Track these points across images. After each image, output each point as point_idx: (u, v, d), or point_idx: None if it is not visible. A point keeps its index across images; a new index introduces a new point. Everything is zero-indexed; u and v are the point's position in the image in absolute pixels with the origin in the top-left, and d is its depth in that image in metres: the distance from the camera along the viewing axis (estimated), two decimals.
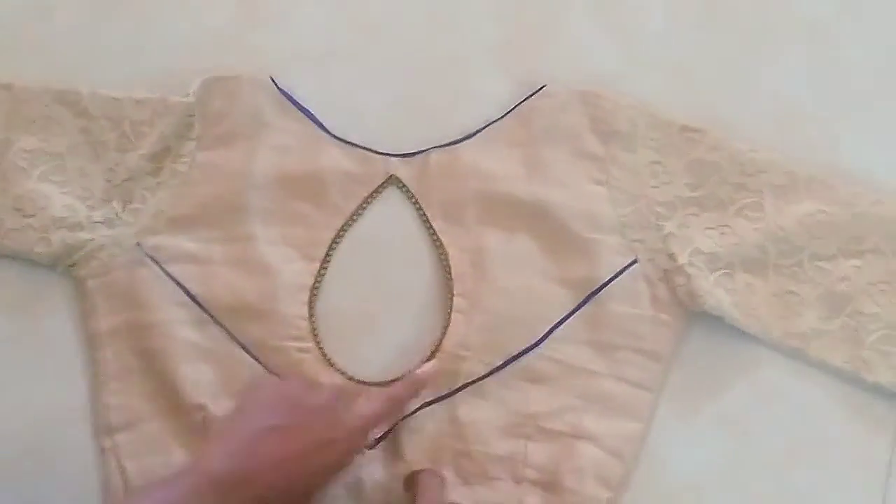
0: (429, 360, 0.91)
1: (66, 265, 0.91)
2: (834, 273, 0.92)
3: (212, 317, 0.90)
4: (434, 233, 0.94)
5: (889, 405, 0.92)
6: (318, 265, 0.93)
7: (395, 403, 0.85)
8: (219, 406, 0.88)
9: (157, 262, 0.90)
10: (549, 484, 0.91)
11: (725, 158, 0.93)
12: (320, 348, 0.91)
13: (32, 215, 0.91)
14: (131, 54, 0.98)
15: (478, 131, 0.95)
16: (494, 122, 0.95)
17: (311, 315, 0.92)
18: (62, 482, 0.92)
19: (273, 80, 0.95)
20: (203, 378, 0.89)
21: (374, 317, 0.94)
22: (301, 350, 0.91)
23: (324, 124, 0.95)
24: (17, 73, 0.96)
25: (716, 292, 0.92)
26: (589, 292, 0.91)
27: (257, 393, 0.81)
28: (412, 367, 0.91)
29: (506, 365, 0.91)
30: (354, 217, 0.95)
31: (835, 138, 0.96)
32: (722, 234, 0.93)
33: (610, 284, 0.92)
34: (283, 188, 0.93)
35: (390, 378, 0.92)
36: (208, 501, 0.70)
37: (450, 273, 0.93)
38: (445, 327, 0.92)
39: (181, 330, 0.90)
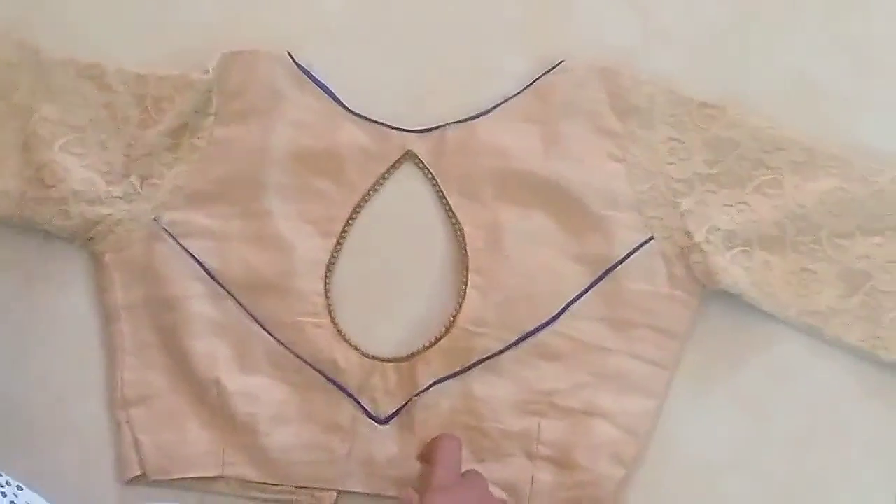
0: (443, 336, 0.94)
1: (84, 239, 0.93)
2: (853, 251, 0.93)
3: (228, 292, 0.92)
4: (450, 209, 0.96)
5: None
6: (334, 241, 0.95)
7: None
8: (233, 381, 0.91)
9: (173, 238, 0.92)
10: (563, 461, 0.93)
11: (744, 135, 0.94)
12: (335, 324, 0.93)
13: (52, 186, 0.92)
14: (152, 32, 1.00)
15: (495, 107, 0.96)
16: (512, 97, 0.96)
17: (326, 291, 0.94)
18: (78, 455, 0.95)
19: (290, 55, 0.95)
20: (218, 353, 0.92)
21: (388, 293, 0.96)
22: (316, 325, 0.93)
23: (341, 100, 0.96)
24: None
25: (732, 270, 0.93)
26: (605, 269, 0.93)
27: None
28: (427, 343, 0.94)
29: (521, 341, 0.93)
30: (371, 193, 0.96)
31: (855, 115, 0.97)
32: (740, 211, 0.94)
33: (626, 262, 0.93)
34: (301, 164, 0.94)
35: (403, 355, 0.94)
36: None
37: (465, 249, 0.95)
38: (460, 304, 0.94)
39: (197, 305, 0.93)
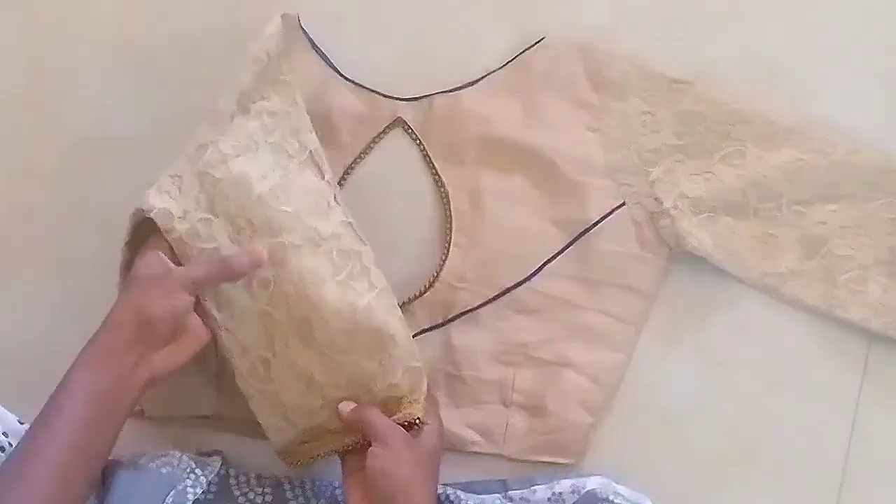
0: (427, 290, 0.97)
1: None
2: (810, 217, 0.97)
3: None
4: (436, 172, 0.99)
5: (859, 340, 0.99)
6: None
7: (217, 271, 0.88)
8: None
9: None
10: (535, 408, 0.98)
11: (710, 109, 0.98)
12: None
13: None
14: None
15: (479, 79, 1.00)
16: (495, 70, 1.00)
17: None
18: None
19: (299, 20, 0.99)
20: None
21: (375, 249, 0.95)
22: None
23: (337, 67, 1.00)
24: None
25: (698, 233, 0.97)
26: (579, 232, 0.97)
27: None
28: (412, 296, 0.97)
29: (499, 297, 0.97)
30: (362, 155, 1.00)
31: (814, 91, 1.00)
32: (706, 179, 0.98)
33: (599, 225, 0.97)
34: None
35: None
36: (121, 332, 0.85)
37: (449, 210, 0.99)
38: (444, 260, 0.98)
39: None
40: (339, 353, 0.89)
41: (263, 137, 0.92)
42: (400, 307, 0.94)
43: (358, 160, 1.00)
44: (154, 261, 0.86)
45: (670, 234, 0.97)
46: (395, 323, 0.90)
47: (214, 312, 0.89)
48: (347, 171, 1.00)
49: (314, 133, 0.94)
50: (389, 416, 0.89)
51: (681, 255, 0.98)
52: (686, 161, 0.98)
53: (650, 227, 0.98)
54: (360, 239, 0.92)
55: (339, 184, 0.98)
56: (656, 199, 0.98)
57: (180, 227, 0.86)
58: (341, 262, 0.90)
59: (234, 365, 0.90)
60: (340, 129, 1.00)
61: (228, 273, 0.87)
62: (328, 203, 0.92)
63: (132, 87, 1.04)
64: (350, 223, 0.92)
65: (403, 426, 0.88)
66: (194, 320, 0.87)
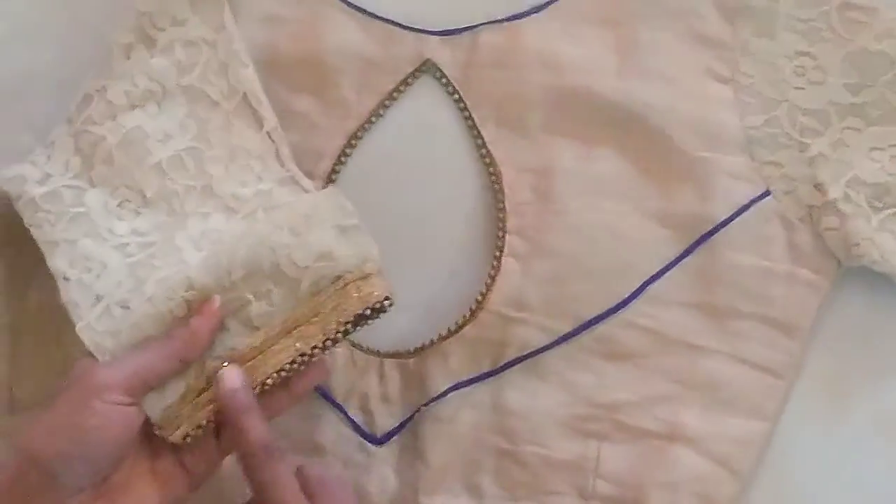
0: (467, 322, 0.84)
1: None
2: None
3: None
4: (483, 144, 0.88)
5: None
6: (320, 185, 0.89)
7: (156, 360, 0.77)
8: None
9: None
10: (630, 502, 0.85)
11: None
12: None
13: None
14: None
15: (549, 2, 0.88)
16: None
17: None
18: None
19: None
20: None
21: (391, 260, 0.82)
22: None
23: None
24: None
25: (882, 239, 0.84)
26: (700, 234, 0.84)
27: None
28: (445, 332, 0.84)
29: (577, 333, 0.84)
30: (372, 119, 0.89)
31: None
32: (893, 157, 0.84)
33: (730, 224, 0.85)
34: (273, 76, 0.89)
35: (410, 348, 0.87)
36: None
37: (502, 201, 0.87)
38: (493, 277, 0.86)
39: None
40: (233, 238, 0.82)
41: (175, 79, 0.88)
42: (425, 349, 0.84)
43: (367, 125, 0.89)
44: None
45: (838, 241, 0.84)
46: (314, 200, 0.82)
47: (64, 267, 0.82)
48: (351, 141, 0.88)
49: (251, 67, 0.87)
50: (336, 312, 0.79)
51: (854, 274, 0.84)
52: (864, 129, 0.85)
53: (807, 230, 0.85)
54: (304, 189, 0.86)
55: (341, 160, 0.88)
56: (817, 185, 0.84)
57: (34, 191, 0.83)
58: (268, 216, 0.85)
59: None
60: (341, 80, 0.90)
61: (180, 350, 0.77)
62: (263, 166, 0.87)
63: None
64: (291, 178, 0.87)
65: (362, 316, 0.78)
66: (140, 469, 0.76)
